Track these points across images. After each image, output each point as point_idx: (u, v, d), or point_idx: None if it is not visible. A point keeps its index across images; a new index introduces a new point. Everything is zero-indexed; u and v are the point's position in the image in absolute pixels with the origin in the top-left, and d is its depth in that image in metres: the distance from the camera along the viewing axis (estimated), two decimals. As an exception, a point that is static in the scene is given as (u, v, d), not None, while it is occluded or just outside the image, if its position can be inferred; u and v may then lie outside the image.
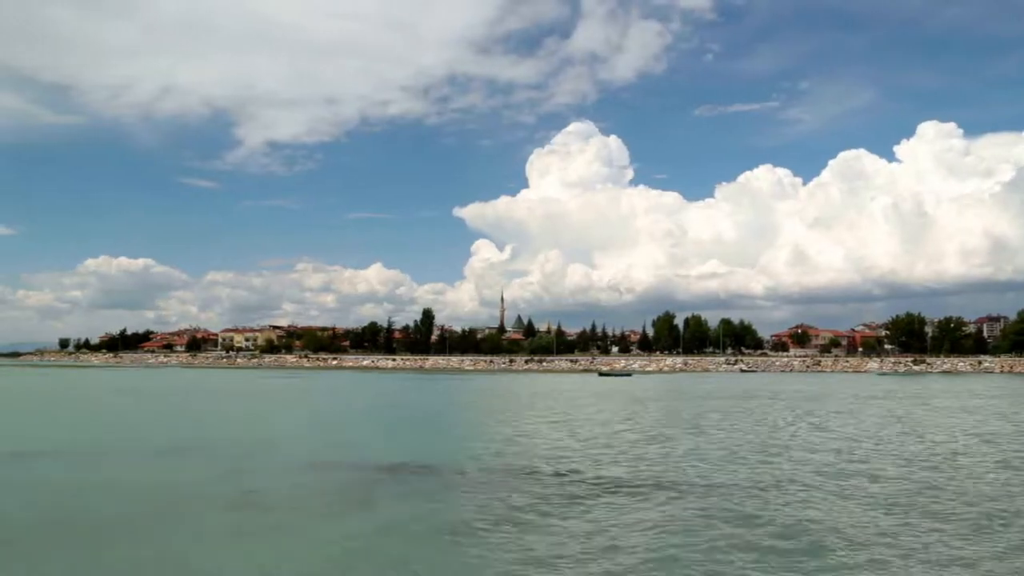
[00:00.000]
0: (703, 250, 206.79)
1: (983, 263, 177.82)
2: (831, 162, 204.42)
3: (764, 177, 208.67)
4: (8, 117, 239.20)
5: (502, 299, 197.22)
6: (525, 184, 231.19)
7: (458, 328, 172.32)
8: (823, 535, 11.75)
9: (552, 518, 13.13)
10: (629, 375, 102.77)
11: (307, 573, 10.30)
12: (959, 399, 47.82)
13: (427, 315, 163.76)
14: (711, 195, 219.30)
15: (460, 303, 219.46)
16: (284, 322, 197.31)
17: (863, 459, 20.15)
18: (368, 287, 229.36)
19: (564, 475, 17.55)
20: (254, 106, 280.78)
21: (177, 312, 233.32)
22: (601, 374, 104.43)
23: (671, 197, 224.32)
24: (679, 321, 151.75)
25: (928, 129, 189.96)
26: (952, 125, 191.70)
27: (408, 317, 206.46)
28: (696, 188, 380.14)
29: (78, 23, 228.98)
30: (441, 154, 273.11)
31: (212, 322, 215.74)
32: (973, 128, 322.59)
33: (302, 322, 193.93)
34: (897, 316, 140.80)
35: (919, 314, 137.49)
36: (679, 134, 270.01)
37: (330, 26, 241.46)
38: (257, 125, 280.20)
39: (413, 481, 17.20)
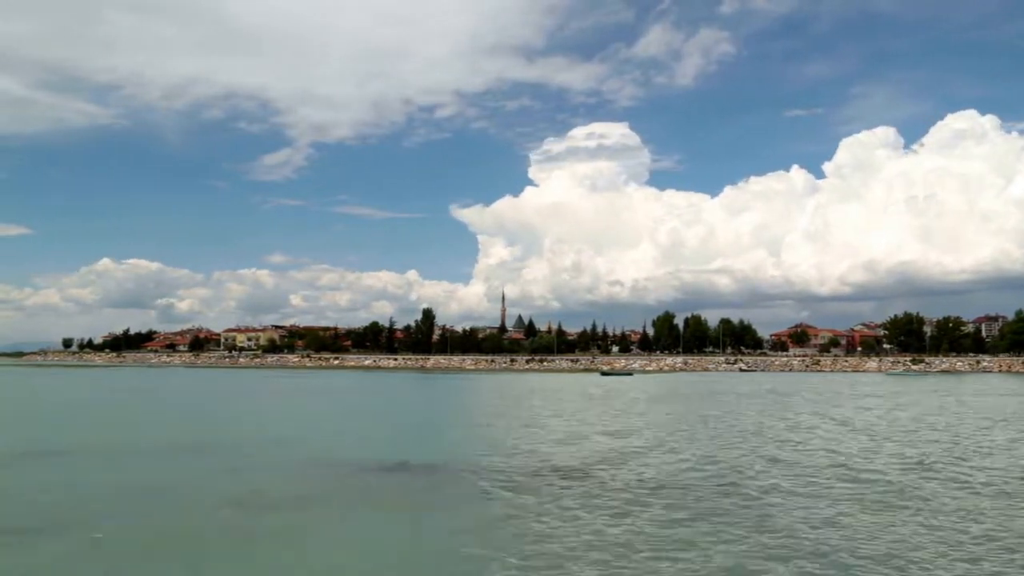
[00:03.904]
0: (710, 250, 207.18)
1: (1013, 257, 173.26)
2: (843, 148, 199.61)
3: (777, 178, 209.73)
4: (48, 117, 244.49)
5: (503, 299, 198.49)
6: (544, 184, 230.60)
7: (460, 328, 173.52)
8: None
9: (554, 516, 13.73)
10: (630, 375, 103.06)
11: (310, 572, 10.62)
12: None
13: (427, 315, 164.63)
14: (731, 196, 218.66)
15: (471, 301, 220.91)
16: (296, 322, 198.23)
17: None
18: (381, 286, 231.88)
19: (566, 474, 18.29)
20: (304, 109, 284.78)
21: (186, 312, 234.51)
22: (603, 373, 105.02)
23: (683, 197, 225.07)
24: (679, 321, 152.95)
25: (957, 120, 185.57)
26: (972, 113, 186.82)
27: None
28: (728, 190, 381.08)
29: (136, 25, 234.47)
30: (479, 156, 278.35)
31: (222, 321, 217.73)
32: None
33: (315, 322, 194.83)
34: (896, 316, 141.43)
35: (917, 313, 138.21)
36: (722, 139, 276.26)
37: (389, 32, 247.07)
38: (303, 128, 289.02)
39: (416, 480, 17.88)
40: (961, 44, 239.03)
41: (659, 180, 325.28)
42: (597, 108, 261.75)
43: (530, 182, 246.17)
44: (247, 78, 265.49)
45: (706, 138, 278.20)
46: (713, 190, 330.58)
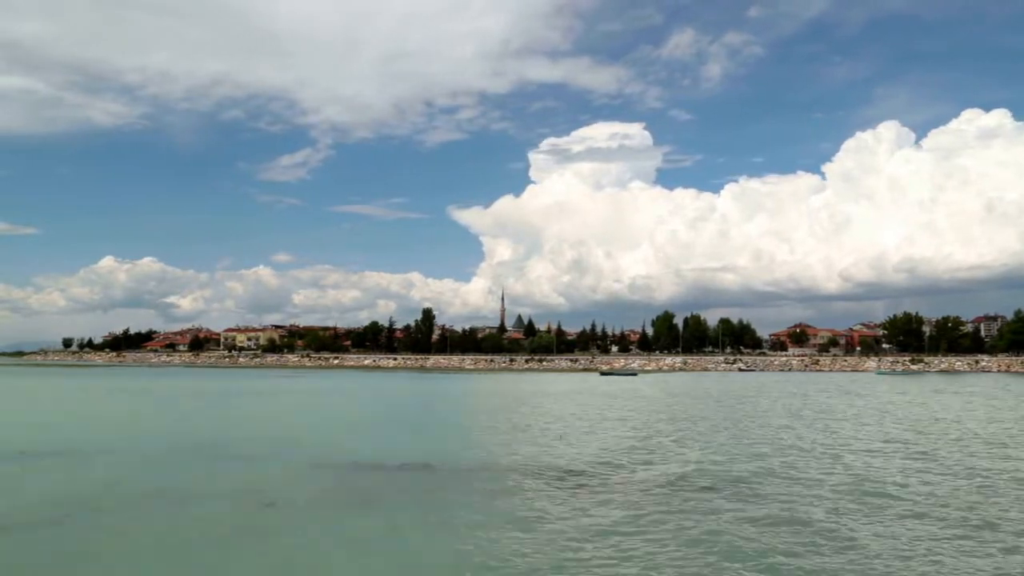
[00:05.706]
0: (716, 249, 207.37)
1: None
2: (848, 146, 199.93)
3: (781, 179, 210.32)
4: (69, 117, 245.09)
5: (502, 298, 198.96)
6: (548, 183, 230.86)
7: (460, 328, 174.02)
8: None
9: (554, 516, 13.81)
10: (634, 375, 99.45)
11: (311, 572, 10.72)
12: None
13: (427, 315, 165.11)
14: (737, 195, 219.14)
15: (476, 300, 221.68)
16: (300, 321, 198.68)
17: None
18: (385, 285, 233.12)
19: (567, 474, 18.43)
20: (326, 110, 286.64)
21: (188, 311, 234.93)
22: (602, 373, 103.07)
23: (688, 195, 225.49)
24: (679, 320, 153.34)
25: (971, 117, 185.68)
26: (975, 111, 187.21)
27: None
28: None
29: (165, 26, 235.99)
30: (488, 156, 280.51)
31: (225, 321, 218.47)
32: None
33: (319, 321, 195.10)
34: (895, 316, 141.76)
35: (916, 313, 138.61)
36: (739, 140, 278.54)
37: (418, 35, 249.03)
38: (322, 130, 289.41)
39: (417, 480, 17.98)
40: (987, 47, 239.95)
41: (668, 179, 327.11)
42: (621, 109, 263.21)
43: (534, 181, 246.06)
44: (271, 79, 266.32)
45: (724, 139, 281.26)
46: (722, 190, 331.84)
